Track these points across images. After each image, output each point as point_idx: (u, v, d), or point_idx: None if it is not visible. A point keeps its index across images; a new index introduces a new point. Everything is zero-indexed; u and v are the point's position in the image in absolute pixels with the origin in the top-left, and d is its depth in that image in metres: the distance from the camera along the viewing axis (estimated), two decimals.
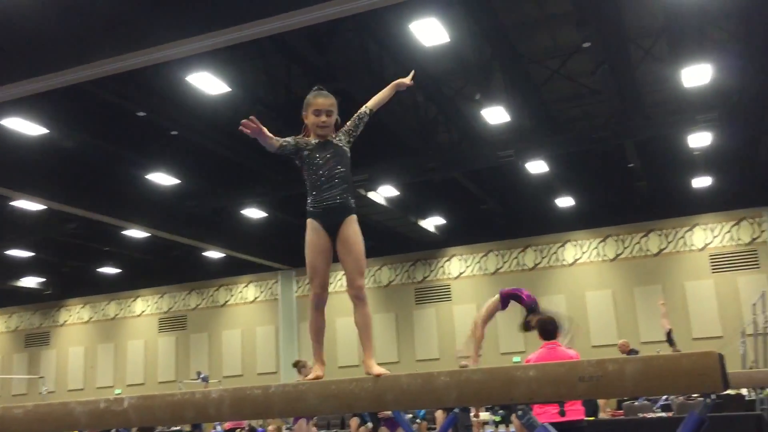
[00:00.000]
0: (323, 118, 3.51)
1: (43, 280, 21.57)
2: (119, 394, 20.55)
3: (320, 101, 3.55)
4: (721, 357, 2.35)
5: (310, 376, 3.33)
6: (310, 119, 3.55)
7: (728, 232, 16.20)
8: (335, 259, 3.42)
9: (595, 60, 10.18)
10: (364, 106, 3.69)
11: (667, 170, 15.32)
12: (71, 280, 21.77)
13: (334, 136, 3.55)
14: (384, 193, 14.92)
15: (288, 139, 3.57)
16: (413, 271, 18.78)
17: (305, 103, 3.57)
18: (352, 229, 3.41)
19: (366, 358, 3.26)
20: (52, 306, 22.98)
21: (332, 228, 3.40)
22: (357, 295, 3.36)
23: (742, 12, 9.94)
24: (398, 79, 3.82)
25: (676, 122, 11.93)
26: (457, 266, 18.44)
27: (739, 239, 16.09)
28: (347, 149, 3.55)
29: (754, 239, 15.96)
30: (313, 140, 3.54)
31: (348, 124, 3.61)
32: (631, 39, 10.40)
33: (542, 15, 10.11)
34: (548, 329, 5.57)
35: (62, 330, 22.81)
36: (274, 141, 3.51)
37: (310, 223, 3.43)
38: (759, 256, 15.83)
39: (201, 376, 14.81)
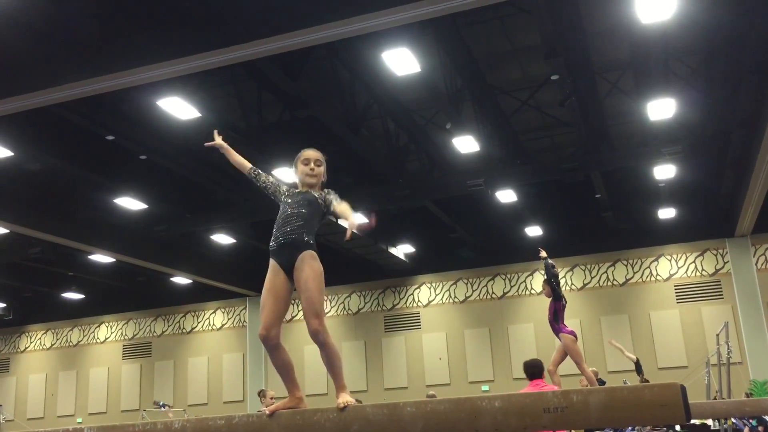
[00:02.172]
0: (312, 166, 3.64)
1: (4, 305, 21.07)
2: (80, 423, 20.06)
3: (309, 152, 3.69)
4: (683, 388, 2.38)
5: (279, 404, 3.30)
6: (299, 169, 3.66)
7: (692, 262, 16.47)
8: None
9: (563, 92, 10.37)
10: (335, 200, 3.58)
11: (633, 201, 15.58)
12: (33, 306, 21.29)
13: (317, 191, 3.63)
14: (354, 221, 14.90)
15: (272, 179, 3.75)
16: (383, 298, 18.73)
17: (295, 160, 3.72)
18: (307, 266, 3.37)
19: (337, 392, 3.25)
20: (12, 332, 22.42)
21: (288, 265, 3.42)
22: (314, 339, 3.33)
23: (705, 49, 10.23)
24: (349, 223, 3.39)
25: (641, 154, 12.16)
26: (427, 294, 18.45)
27: (703, 270, 16.36)
28: (322, 204, 3.58)
29: (718, 270, 16.24)
30: (299, 191, 3.65)
31: (331, 199, 3.60)
32: (598, 72, 10.63)
33: (512, 47, 10.28)
34: (533, 371, 5.79)
35: (23, 356, 22.24)
36: (245, 163, 3.71)
37: (270, 262, 3.49)
38: (722, 286, 16.09)
39: (160, 404, 14.56)
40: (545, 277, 8.08)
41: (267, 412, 3.19)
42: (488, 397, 2.72)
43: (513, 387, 15.84)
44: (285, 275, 3.43)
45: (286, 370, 3.46)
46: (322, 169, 3.65)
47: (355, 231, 3.40)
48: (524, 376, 6.22)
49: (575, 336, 7.99)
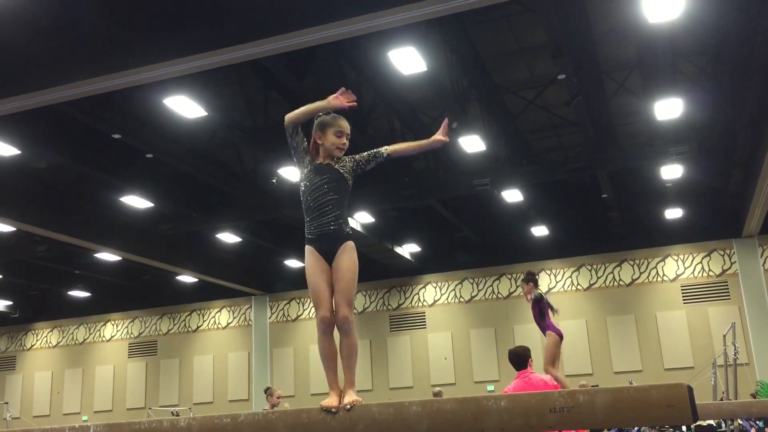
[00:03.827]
0: (344, 140, 3.52)
1: (11, 303, 21.14)
2: (86, 421, 20.12)
3: (343, 124, 3.55)
4: (690, 389, 2.36)
5: (324, 402, 3.24)
6: (329, 140, 3.50)
7: (699, 263, 16.41)
8: None
9: (570, 91, 10.34)
10: (384, 148, 3.63)
11: (639, 201, 15.53)
12: (40, 304, 21.37)
13: (336, 160, 3.53)
14: (360, 220, 14.92)
15: (304, 145, 3.54)
16: (388, 298, 18.72)
17: (321, 123, 3.53)
18: (347, 256, 3.38)
19: (345, 387, 3.21)
20: (19, 330, 22.51)
21: (328, 254, 3.39)
22: (341, 326, 3.30)
23: (712, 49, 10.19)
24: (436, 136, 3.68)
25: (648, 154, 12.12)
26: (432, 294, 18.43)
27: (709, 270, 16.30)
28: (348, 177, 3.51)
29: (725, 270, 16.17)
30: (316, 160, 3.52)
31: (361, 155, 3.58)
32: (605, 72, 10.59)
33: (518, 46, 10.26)
34: (519, 360, 5.69)
35: (29, 354, 22.33)
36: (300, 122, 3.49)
37: (308, 249, 3.41)
38: (729, 287, 16.03)
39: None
40: (527, 282, 8.11)
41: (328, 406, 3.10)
42: (494, 397, 2.71)
43: None
44: (325, 261, 3.38)
45: (334, 359, 3.35)
46: (347, 145, 3.56)
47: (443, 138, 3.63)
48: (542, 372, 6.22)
49: (561, 337, 7.96)
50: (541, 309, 7.89)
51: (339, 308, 3.30)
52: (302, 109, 3.48)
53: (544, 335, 7.96)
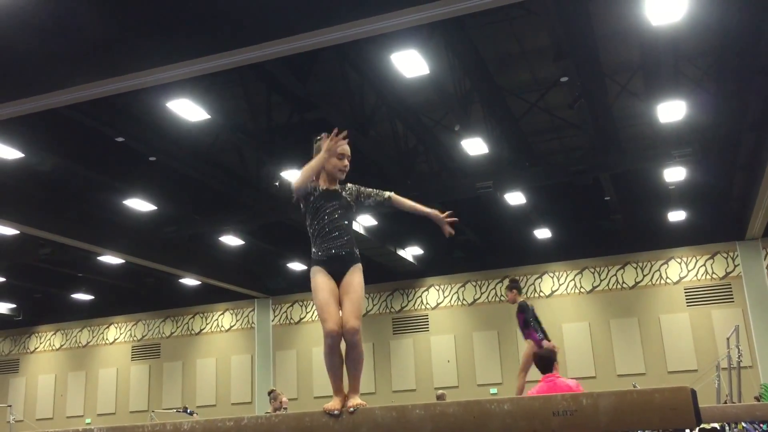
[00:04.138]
0: (346, 162, 3.64)
1: (14, 306, 21.17)
2: (89, 424, 20.14)
3: (346, 147, 3.66)
4: (693, 392, 2.36)
5: (328, 405, 3.30)
6: (331, 162, 3.61)
7: (702, 266, 16.38)
8: None
9: (572, 94, 10.34)
10: (388, 193, 3.74)
11: (642, 204, 15.51)
12: (43, 306, 21.39)
13: (342, 187, 3.63)
14: (363, 222, 14.92)
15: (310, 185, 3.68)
16: (391, 300, 18.72)
17: (323, 144, 3.63)
18: (358, 275, 3.54)
19: (350, 393, 3.29)
20: (22, 332, 22.54)
21: (338, 275, 3.51)
22: (349, 339, 3.39)
23: (715, 51, 10.18)
24: (440, 214, 3.80)
25: (651, 157, 12.11)
26: (435, 296, 18.42)
27: (713, 273, 16.27)
28: (353, 206, 3.64)
29: (728, 273, 16.14)
30: (320, 186, 3.61)
31: (366, 189, 3.69)
32: (608, 74, 10.58)
33: (521, 49, 10.26)
34: (545, 363, 5.59)
35: (32, 357, 22.35)
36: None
37: (317, 270, 3.51)
38: (733, 290, 16.00)
39: (188, 411, 14.08)
40: (510, 290, 8.31)
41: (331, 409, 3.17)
42: (497, 400, 2.71)
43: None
44: (334, 281, 3.51)
45: (340, 368, 3.46)
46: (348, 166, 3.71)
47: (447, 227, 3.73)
48: (534, 378, 6.21)
49: (540, 347, 8.08)
50: (526, 318, 8.06)
51: (349, 320, 3.38)
52: (305, 171, 3.58)
53: (525, 340, 8.13)
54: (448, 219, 3.74)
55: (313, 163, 3.58)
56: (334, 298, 3.45)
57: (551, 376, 5.49)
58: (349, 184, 3.69)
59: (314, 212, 3.56)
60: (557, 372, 5.68)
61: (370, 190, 3.71)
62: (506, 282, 8.07)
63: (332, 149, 3.59)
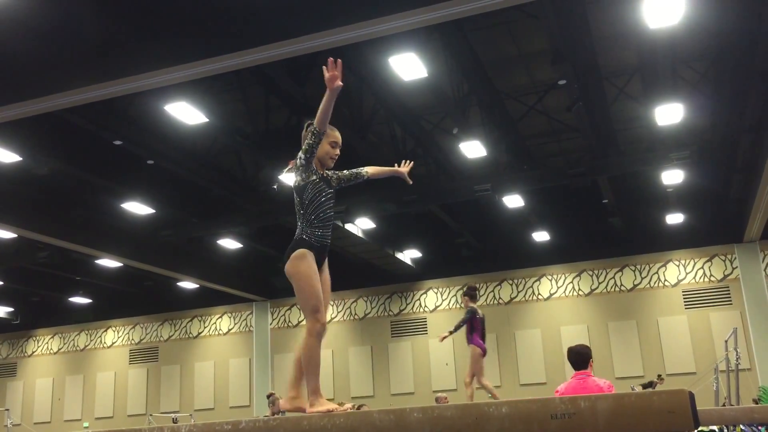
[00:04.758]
0: (337, 151, 3.64)
1: (12, 309, 21.13)
2: (87, 427, 20.10)
3: (338, 135, 3.68)
4: (691, 395, 2.36)
5: (346, 406, 3.31)
6: (324, 148, 3.59)
7: (701, 268, 16.39)
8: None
9: (570, 97, 10.35)
10: (364, 169, 3.82)
11: (640, 206, 15.53)
12: (41, 310, 21.36)
13: (329, 175, 3.65)
14: (361, 225, 14.92)
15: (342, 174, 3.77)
16: (389, 303, 18.70)
17: (317, 131, 3.59)
18: (327, 268, 3.61)
19: (311, 394, 3.35)
20: (20, 336, 22.50)
21: (320, 264, 3.53)
22: (324, 334, 3.44)
23: (713, 54, 10.20)
24: (400, 167, 4.06)
25: (649, 159, 12.12)
26: (434, 299, 18.41)
27: (711, 276, 16.28)
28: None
29: (726, 276, 16.15)
30: (318, 170, 3.62)
31: (344, 173, 3.71)
32: (606, 77, 10.60)
33: (519, 52, 10.27)
34: (579, 359, 5.40)
35: (30, 361, 22.31)
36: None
37: (309, 254, 3.46)
38: (731, 292, 16.01)
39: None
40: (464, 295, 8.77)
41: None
42: (495, 403, 2.71)
43: (520, 393, 15.78)
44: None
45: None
46: None
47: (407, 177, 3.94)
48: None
49: (483, 352, 8.65)
50: (472, 324, 8.53)
51: (325, 315, 3.43)
52: (322, 109, 3.49)
53: (468, 345, 8.57)
54: (405, 168, 4.01)
55: (325, 102, 3.46)
56: (323, 288, 3.47)
57: (583, 373, 5.30)
58: (329, 172, 3.68)
59: (316, 194, 3.51)
60: (591, 369, 5.47)
61: (348, 173, 3.75)
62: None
63: (336, 84, 3.48)
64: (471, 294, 8.78)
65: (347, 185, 3.73)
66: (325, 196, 3.52)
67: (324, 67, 3.49)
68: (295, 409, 3.35)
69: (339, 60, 3.49)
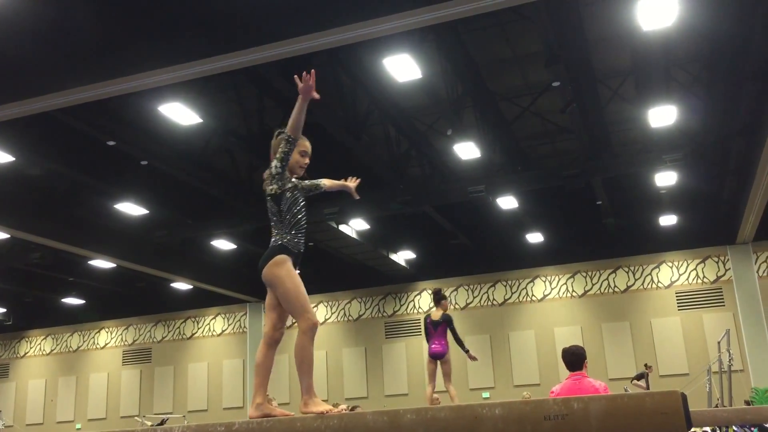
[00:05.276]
0: (307, 160, 3.66)
1: (4, 310, 21.05)
2: (79, 429, 20.04)
3: (308, 144, 3.71)
4: (683, 396, 2.37)
5: (340, 407, 3.32)
6: (294, 158, 3.63)
7: (694, 269, 16.44)
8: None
9: (564, 99, 10.37)
10: (322, 181, 3.91)
11: (634, 208, 15.57)
12: (34, 311, 21.26)
13: (297, 182, 3.67)
14: (355, 227, 14.92)
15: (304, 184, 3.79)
16: (383, 304, 18.70)
17: (285, 140, 3.63)
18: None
19: (270, 398, 3.39)
20: (12, 337, 22.40)
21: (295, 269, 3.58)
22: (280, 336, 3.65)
23: (706, 56, 10.24)
24: (347, 182, 4.12)
25: (642, 161, 12.15)
26: (427, 300, 18.40)
27: (704, 277, 16.34)
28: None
29: (719, 277, 16.21)
30: (297, 185, 3.66)
31: (305, 183, 3.76)
32: (600, 79, 10.63)
33: (513, 54, 10.29)
34: (574, 360, 5.37)
35: (22, 362, 22.21)
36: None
37: (288, 260, 3.51)
38: (724, 294, 16.07)
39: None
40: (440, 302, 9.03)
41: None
42: (489, 405, 2.71)
43: (514, 394, 15.80)
44: None
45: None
46: None
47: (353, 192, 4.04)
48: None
49: (430, 355, 8.99)
50: (426, 327, 8.95)
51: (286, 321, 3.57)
52: (294, 116, 3.55)
53: (447, 350, 8.99)
54: (352, 183, 4.06)
55: (298, 108, 3.51)
56: None
57: (578, 374, 5.28)
58: (296, 180, 3.71)
59: (293, 201, 3.56)
60: (586, 370, 5.45)
61: (309, 183, 3.80)
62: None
63: (307, 90, 3.48)
64: (436, 298, 9.06)
65: (307, 195, 3.78)
66: (301, 204, 3.59)
67: (296, 77, 3.49)
68: (263, 415, 3.32)
69: (313, 71, 3.51)
